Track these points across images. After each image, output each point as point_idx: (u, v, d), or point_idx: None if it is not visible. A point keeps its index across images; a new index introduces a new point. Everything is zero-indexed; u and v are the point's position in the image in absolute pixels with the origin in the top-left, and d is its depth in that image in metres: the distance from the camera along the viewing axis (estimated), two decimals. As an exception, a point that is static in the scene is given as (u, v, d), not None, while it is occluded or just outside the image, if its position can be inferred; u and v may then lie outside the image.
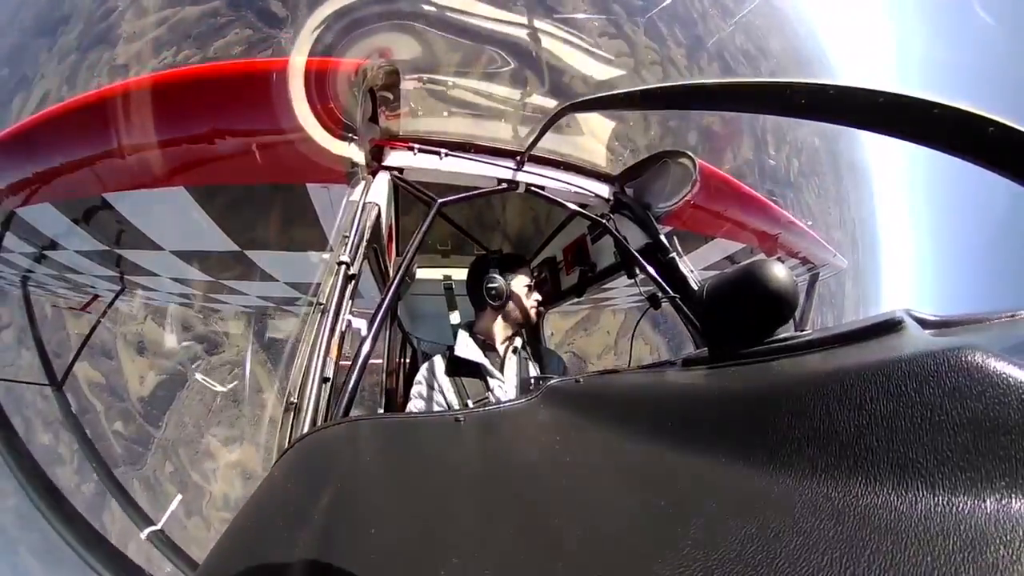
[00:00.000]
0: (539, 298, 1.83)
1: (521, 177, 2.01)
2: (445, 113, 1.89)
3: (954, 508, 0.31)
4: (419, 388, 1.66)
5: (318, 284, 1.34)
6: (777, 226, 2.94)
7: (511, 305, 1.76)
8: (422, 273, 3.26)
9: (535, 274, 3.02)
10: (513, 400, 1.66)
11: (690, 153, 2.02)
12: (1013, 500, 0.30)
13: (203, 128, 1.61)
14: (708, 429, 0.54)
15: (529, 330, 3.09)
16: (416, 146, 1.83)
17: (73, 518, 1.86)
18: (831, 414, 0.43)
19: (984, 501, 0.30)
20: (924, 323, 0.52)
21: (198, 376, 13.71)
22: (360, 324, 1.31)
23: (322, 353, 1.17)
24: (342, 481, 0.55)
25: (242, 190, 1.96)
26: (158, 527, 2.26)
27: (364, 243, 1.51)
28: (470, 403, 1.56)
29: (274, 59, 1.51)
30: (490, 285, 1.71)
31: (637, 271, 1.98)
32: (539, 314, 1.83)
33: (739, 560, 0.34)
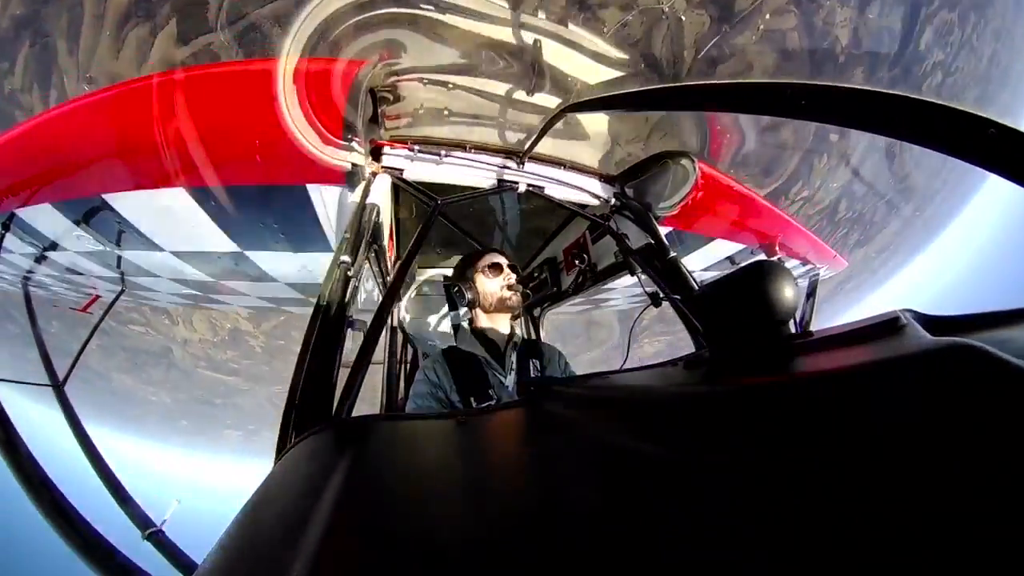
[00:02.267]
0: (511, 279, 1.81)
1: (521, 177, 2.01)
2: (446, 112, 1.89)
3: (955, 509, 0.31)
4: (420, 385, 1.66)
5: (319, 285, 1.34)
6: (777, 227, 2.95)
7: (482, 298, 1.81)
8: (422, 273, 3.27)
9: (536, 274, 3.02)
10: (514, 400, 1.66)
11: (690, 154, 2.02)
12: (1014, 501, 0.30)
13: (203, 129, 1.61)
14: (709, 431, 0.54)
15: (530, 323, 3.10)
16: (416, 146, 1.84)
17: (72, 518, 1.86)
18: (832, 415, 0.43)
19: (984, 502, 0.30)
20: (925, 322, 0.52)
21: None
22: (361, 324, 1.31)
23: (323, 354, 1.17)
24: (342, 481, 0.55)
25: (242, 191, 1.96)
26: (157, 528, 2.26)
27: (364, 243, 1.51)
28: (472, 400, 1.57)
29: (274, 59, 1.51)
30: (456, 298, 1.88)
31: (638, 271, 1.98)
32: (516, 291, 1.79)
33: (738, 563, 0.34)
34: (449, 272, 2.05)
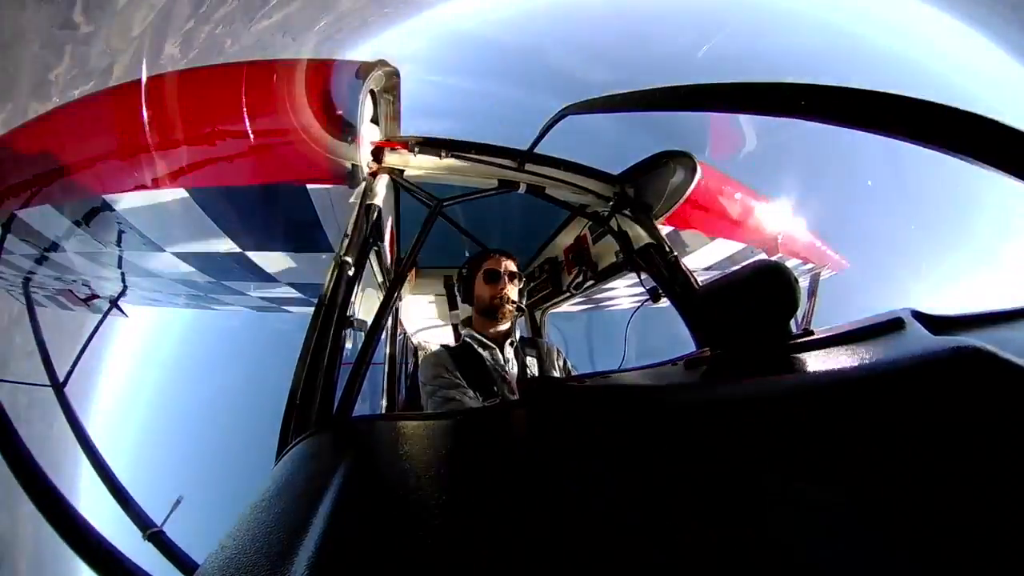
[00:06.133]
0: (506, 289, 1.80)
1: (522, 177, 2.01)
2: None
3: (956, 507, 0.31)
4: (430, 369, 1.66)
5: (319, 285, 1.34)
6: (778, 227, 2.94)
7: (477, 301, 1.85)
8: (423, 273, 3.27)
9: (537, 275, 3.02)
10: (513, 400, 1.66)
11: (691, 153, 2.02)
12: (1016, 497, 0.29)
13: (203, 129, 1.61)
14: (709, 430, 0.54)
15: (532, 326, 3.10)
16: (416, 146, 1.84)
17: (73, 519, 1.86)
18: (833, 414, 0.42)
19: (988, 500, 0.30)
20: (927, 321, 0.52)
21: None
22: (361, 324, 1.32)
23: (323, 354, 1.17)
24: (343, 482, 0.55)
25: (243, 191, 1.96)
26: (158, 528, 2.26)
27: (365, 244, 1.51)
28: (477, 394, 1.58)
29: (275, 60, 1.51)
30: (457, 297, 1.99)
31: (638, 271, 1.98)
32: (506, 303, 1.78)
33: (740, 561, 0.34)
34: (450, 272, 2.06)
